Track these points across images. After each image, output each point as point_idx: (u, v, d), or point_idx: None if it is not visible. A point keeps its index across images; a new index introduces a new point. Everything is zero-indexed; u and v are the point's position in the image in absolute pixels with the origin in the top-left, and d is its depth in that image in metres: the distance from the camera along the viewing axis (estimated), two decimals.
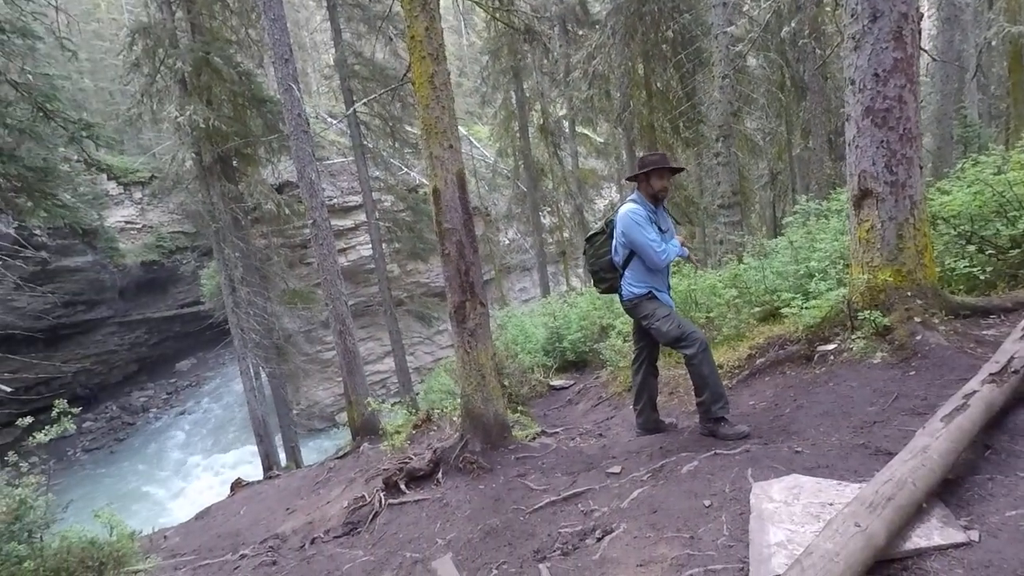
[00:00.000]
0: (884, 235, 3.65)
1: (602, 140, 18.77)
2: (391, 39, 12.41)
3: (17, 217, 14.65)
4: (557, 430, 4.92)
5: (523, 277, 23.43)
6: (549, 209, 19.51)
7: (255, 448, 13.65)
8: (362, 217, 17.55)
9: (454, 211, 3.74)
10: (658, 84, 10.57)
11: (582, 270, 18.46)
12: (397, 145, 13.76)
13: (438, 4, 3.67)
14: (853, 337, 3.67)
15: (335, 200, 17.24)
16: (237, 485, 9.50)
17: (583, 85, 12.13)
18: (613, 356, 7.04)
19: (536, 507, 3.16)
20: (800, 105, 12.49)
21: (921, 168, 3.66)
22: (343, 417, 19.44)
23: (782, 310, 4.81)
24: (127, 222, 18.57)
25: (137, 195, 18.87)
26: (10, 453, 5.80)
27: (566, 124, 17.16)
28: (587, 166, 19.71)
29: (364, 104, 12.17)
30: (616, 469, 3.32)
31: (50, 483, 5.84)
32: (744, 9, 11.03)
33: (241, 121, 11.58)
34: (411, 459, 5.18)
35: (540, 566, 2.35)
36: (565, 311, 9.60)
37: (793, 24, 10.18)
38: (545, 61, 15.43)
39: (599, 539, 2.47)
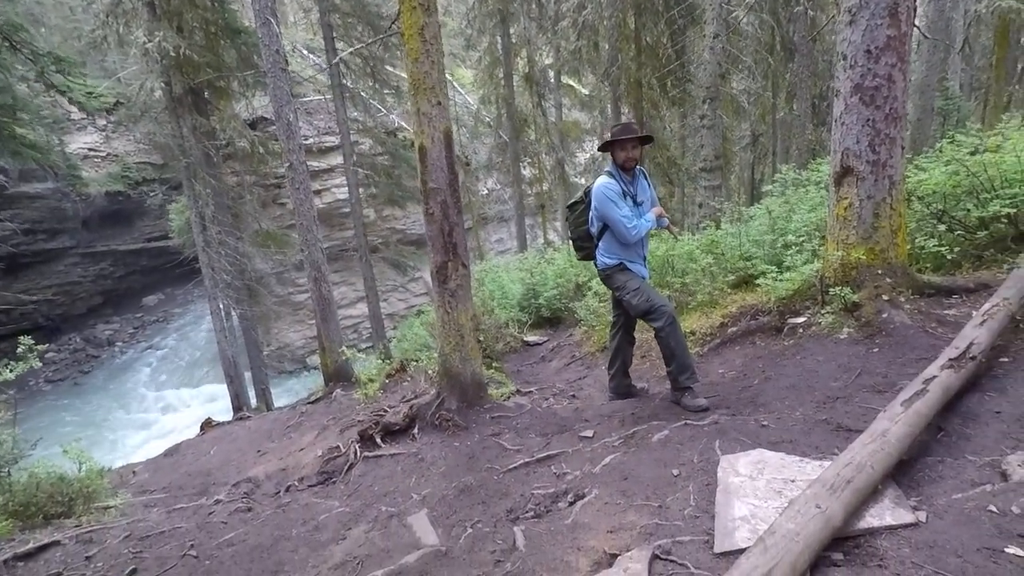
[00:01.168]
0: (861, 214, 3.72)
1: (587, 92, 18.40)
2: None
3: None
4: (531, 389, 5.04)
5: (500, 228, 23.29)
6: (530, 160, 19.26)
7: (224, 387, 13.65)
8: (338, 159, 17.05)
9: (440, 170, 3.67)
10: (648, 39, 10.31)
11: (560, 224, 18.43)
12: (377, 86, 13.27)
13: None
14: (823, 312, 3.79)
15: (311, 140, 16.67)
16: (207, 424, 9.54)
17: (571, 35, 11.78)
18: (588, 315, 7.15)
19: (510, 467, 3.27)
20: (787, 67, 12.40)
21: (903, 149, 3.71)
22: (314, 360, 19.51)
23: (757, 280, 4.92)
24: (90, 149, 17.71)
25: (101, 122, 17.92)
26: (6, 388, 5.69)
27: (551, 74, 16.74)
28: (570, 118, 19.38)
29: (345, 44, 11.63)
30: (589, 433, 3.43)
31: (16, 417, 5.79)
32: None
33: (214, 52, 10.98)
34: (386, 412, 5.26)
35: (514, 528, 2.45)
36: (542, 268, 9.64)
37: None
38: (533, 6, 14.87)
39: (571, 503, 2.58)
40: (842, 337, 3.57)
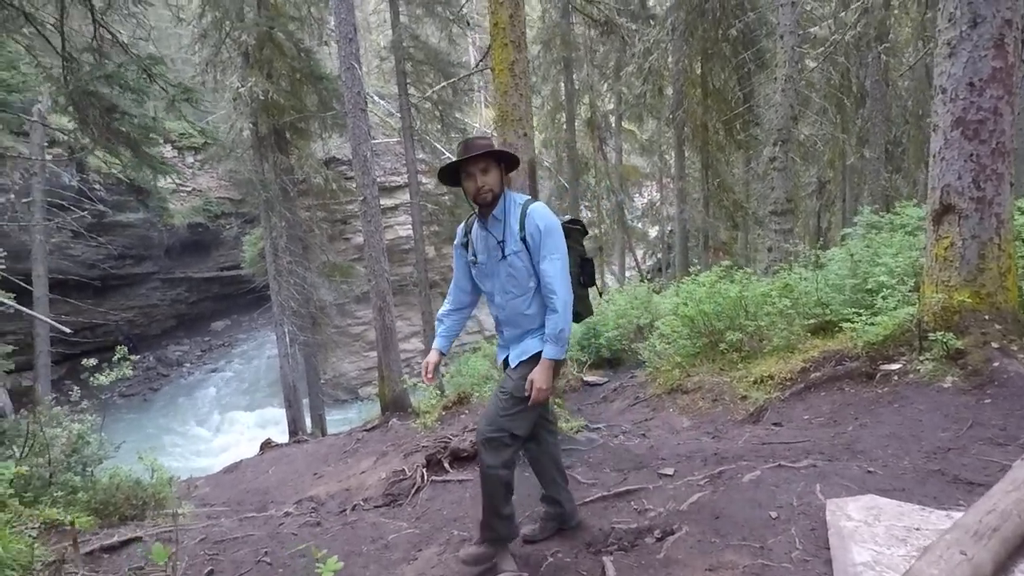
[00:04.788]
0: (964, 254, 3.52)
1: (647, 137, 18.56)
2: (448, 23, 12.41)
3: (80, 171, 15.19)
4: (599, 426, 4.92)
5: None
6: (587, 203, 19.41)
7: (282, 411, 13.98)
8: (403, 197, 17.70)
9: None
10: (715, 83, 10.36)
11: (616, 267, 18.34)
12: (444, 128, 13.80)
13: None
14: (921, 358, 3.57)
15: (379, 179, 17.42)
16: (266, 445, 9.74)
17: (637, 81, 11.97)
18: (651, 357, 6.99)
19: (586, 500, 3.17)
20: (858, 112, 12.14)
21: (1012, 185, 3.52)
22: (366, 391, 19.81)
23: (841, 324, 4.70)
24: (179, 184, 19.10)
25: (190, 159, 19.34)
26: (75, 389, 6.07)
27: (612, 119, 16.99)
28: (630, 162, 19.53)
29: (416, 89, 12.22)
30: (669, 471, 3.30)
31: (104, 422, 6.08)
32: (808, 8, 10.74)
33: (297, 96, 11.76)
34: (450, 439, 5.23)
35: (603, 558, 2.35)
36: (602, 307, 9.56)
37: (859, 27, 9.87)
38: (597, 53, 15.27)
39: (659, 539, 2.46)
40: (946, 386, 3.33)
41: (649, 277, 17.08)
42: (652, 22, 12.22)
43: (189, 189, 19.55)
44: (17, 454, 5.01)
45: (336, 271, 13.95)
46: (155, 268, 19.61)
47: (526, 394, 2.28)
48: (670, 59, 10.66)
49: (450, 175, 2.37)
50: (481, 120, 21.96)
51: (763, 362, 5.33)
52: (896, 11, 11.68)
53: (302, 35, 12.13)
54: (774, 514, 2.39)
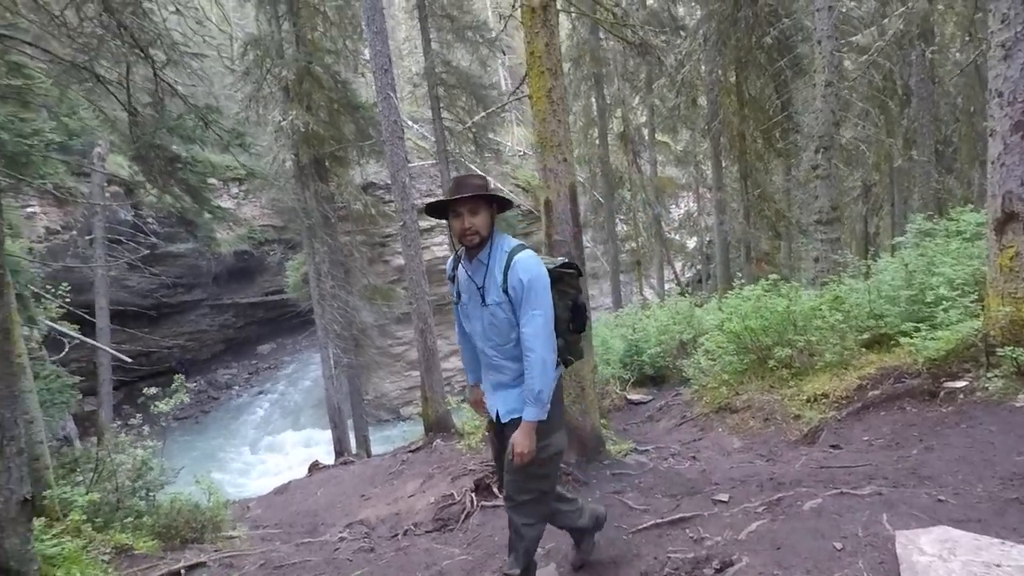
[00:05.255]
0: None
1: (681, 148, 18.39)
2: (478, 47, 12.63)
3: (134, 206, 15.98)
4: (648, 448, 4.85)
5: (591, 285, 23.27)
6: (623, 217, 19.28)
7: (327, 431, 14.22)
8: (439, 219, 17.93)
9: (565, 223, 3.76)
10: (750, 92, 10.21)
11: (655, 281, 18.13)
12: (478, 150, 13.99)
13: (558, 20, 3.70)
14: (989, 375, 3.40)
15: (416, 202, 17.76)
16: (315, 467, 9.93)
17: (669, 93, 11.91)
18: (696, 374, 6.86)
19: (639, 527, 3.12)
20: (904, 113, 11.77)
21: None
22: (408, 411, 20.00)
23: (897, 338, 4.53)
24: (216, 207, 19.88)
25: (234, 190, 20.11)
26: (137, 416, 6.33)
27: (646, 132, 16.91)
28: (665, 174, 19.36)
29: (450, 112, 12.45)
30: (724, 497, 3.22)
31: (164, 448, 6.32)
32: (845, 11, 10.50)
33: (336, 126, 12.12)
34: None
35: None
36: (644, 324, 9.45)
37: (900, 25, 9.60)
38: (628, 67, 15.27)
39: (718, 570, 2.41)
40: (1018, 404, 3.17)
41: (689, 290, 16.82)
42: (683, 33, 12.18)
43: (215, 204, 20.31)
44: (87, 481, 5.26)
45: (377, 294, 14.22)
46: (204, 295, 20.37)
47: (544, 455, 2.26)
48: (703, 69, 10.58)
49: (438, 210, 2.30)
50: (513, 139, 22.18)
51: (815, 379, 5.17)
52: (940, 7, 11.34)
53: (339, 67, 12.52)
54: (839, 545, 2.30)
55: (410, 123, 21.22)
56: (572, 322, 2.38)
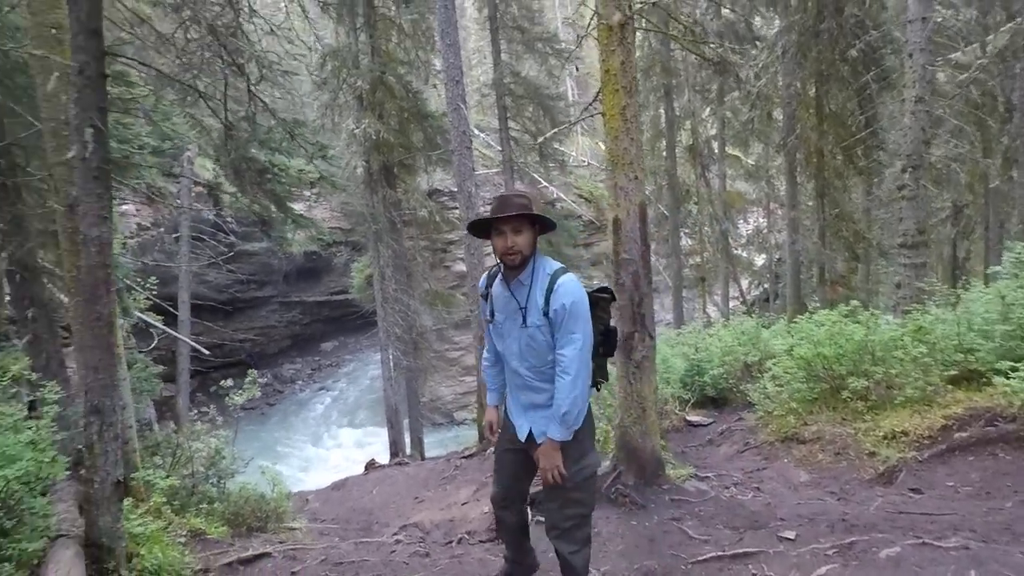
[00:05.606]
0: None
1: (753, 162, 17.81)
2: (547, 58, 12.73)
3: (216, 206, 17.02)
4: (708, 474, 4.71)
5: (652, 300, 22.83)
6: (687, 231, 18.83)
7: (382, 430, 14.58)
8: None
9: (633, 242, 3.72)
10: (831, 106, 9.78)
11: (720, 299, 17.60)
12: (542, 160, 14.07)
13: (634, 38, 3.69)
14: None
15: (480, 210, 18.02)
16: (371, 465, 10.20)
17: (743, 106, 11.58)
18: (762, 400, 6.61)
19: (699, 559, 3.04)
20: (1004, 129, 10.94)
21: None
22: (462, 415, 20.24)
23: (990, 376, 4.21)
24: (299, 215, 20.87)
25: (306, 193, 21.06)
26: (210, 405, 6.70)
27: (716, 145, 16.49)
28: (734, 188, 18.80)
29: (516, 122, 12.60)
30: (790, 534, 3.09)
31: (235, 438, 6.66)
32: (940, 21, 9.91)
33: (405, 134, 12.50)
34: None
35: None
36: (707, 343, 9.18)
37: (1005, 40, 8.97)
38: (699, 79, 14.95)
39: None
40: None
41: (755, 309, 16.20)
42: (759, 44, 11.83)
43: (297, 213, 21.30)
44: (166, 465, 5.61)
45: (437, 299, 14.50)
46: (274, 292, 21.41)
47: (580, 478, 2.29)
48: (780, 82, 10.22)
49: (480, 228, 2.30)
50: (578, 149, 22.14)
51: (894, 414, 4.87)
52: None
53: (410, 77, 12.91)
54: None
55: (476, 132, 21.60)
56: (603, 346, 2.41)
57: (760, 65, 10.39)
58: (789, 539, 3.05)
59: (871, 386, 5.27)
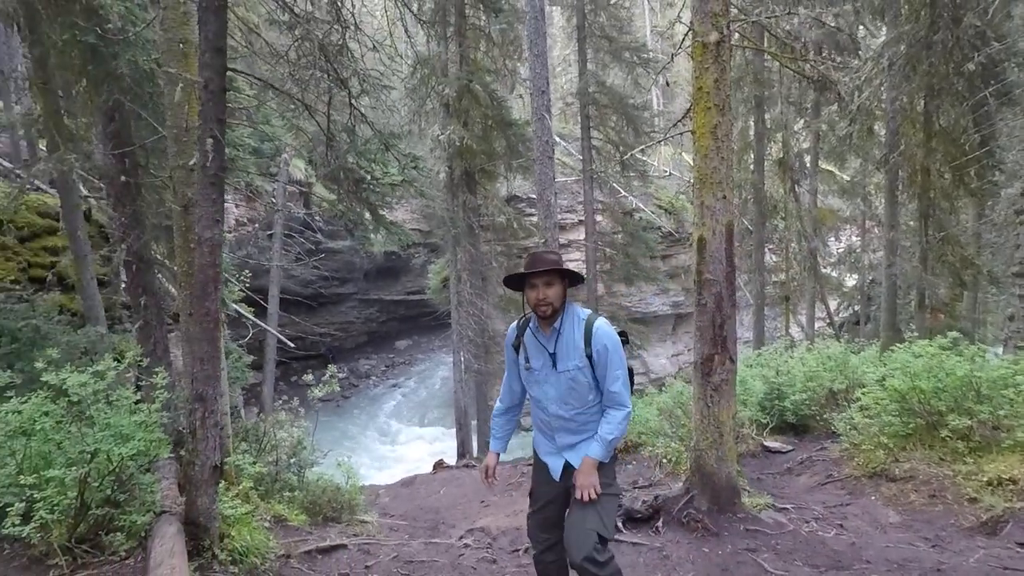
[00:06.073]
0: None
1: (848, 178, 16.81)
2: (634, 68, 12.63)
3: (307, 206, 18.06)
4: (787, 506, 4.51)
5: None
6: (772, 247, 18.02)
7: (450, 431, 14.88)
8: (575, 235, 18.14)
9: (718, 262, 3.64)
10: (941, 123, 9.08)
11: (804, 319, 16.71)
12: (623, 169, 13.94)
13: (730, 56, 3.61)
14: None
15: (559, 219, 18.10)
16: (439, 465, 10.44)
17: (841, 120, 10.98)
18: (848, 431, 6.23)
19: None
20: None
21: None
22: (527, 421, 20.30)
23: None
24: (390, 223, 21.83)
25: (386, 198, 21.99)
26: (292, 396, 7.08)
27: (807, 159, 15.71)
28: (826, 205, 17.82)
29: (599, 132, 12.56)
30: None
31: (315, 430, 7.02)
32: None
33: (488, 141, 12.76)
34: (622, 495, 5.18)
35: None
36: (790, 366, 8.76)
37: None
38: (793, 90, 14.31)
39: None
40: None
41: (843, 333, 15.26)
42: (861, 56, 11.18)
43: (387, 221, 22.16)
44: (252, 451, 5.98)
45: (511, 304, 14.65)
46: (355, 289, 22.41)
47: (611, 492, 2.44)
48: (884, 96, 9.61)
49: (515, 281, 2.50)
50: (660, 159, 21.74)
51: (1001, 459, 4.47)
52: None
53: (496, 86, 13.18)
54: None
55: (558, 140, 21.70)
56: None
57: (863, 78, 9.81)
58: None
59: (974, 426, 4.86)
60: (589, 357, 2.37)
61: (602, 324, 2.40)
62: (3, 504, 3.06)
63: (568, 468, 2.50)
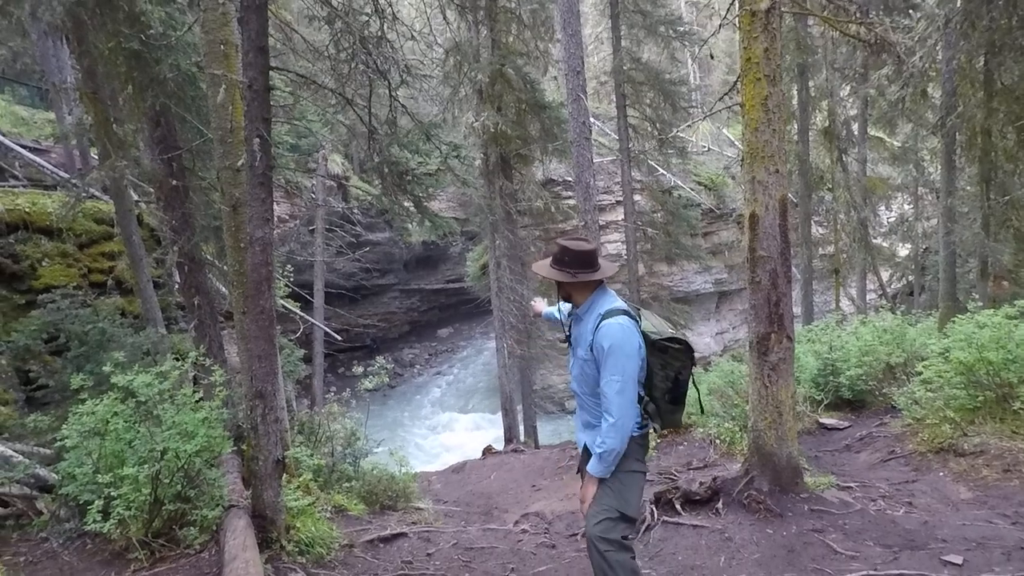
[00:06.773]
0: None
1: (900, 144, 16.04)
2: (670, 42, 12.28)
3: (345, 199, 18.36)
4: (850, 484, 4.39)
5: None
6: (819, 219, 17.41)
7: (495, 416, 15.00)
8: (612, 216, 17.89)
9: (772, 239, 3.53)
10: (1003, 81, 8.53)
11: (855, 291, 16.14)
12: (661, 147, 13.63)
13: (780, 24, 3.47)
14: None
15: (596, 201, 17.90)
16: (488, 451, 10.55)
17: (892, 84, 10.45)
18: (909, 405, 6.01)
19: (846, 574, 2.86)
20: None
21: None
22: (572, 404, 20.30)
23: None
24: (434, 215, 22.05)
25: (431, 188, 22.17)
26: (346, 391, 7.24)
27: (855, 126, 15.05)
28: (875, 173, 17.08)
29: (635, 110, 12.30)
30: (957, 559, 2.82)
31: (367, 421, 7.18)
32: None
33: (522, 125, 12.64)
34: (675, 476, 5.13)
35: None
36: (843, 341, 8.49)
37: None
38: (840, 54, 13.68)
39: None
40: None
41: (898, 304, 14.67)
42: (914, 13, 10.59)
43: (432, 212, 22.38)
44: (308, 444, 6.14)
45: (551, 290, 14.62)
46: (395, 280, 22.72)
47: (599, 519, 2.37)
48: (939, 56, 9.09)
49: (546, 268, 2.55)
50: (698, 135, 21.18)
51: None
52: None
53: (528, 68, 13.01)
54: None
55: (593, 120, 21.38)
56: (670, 393, 2.43)
57: (916, 38, 9.30)
58: (955, 564, 2.78)
59: None
60: (592, 352, 2.36)
61: (610, 324, 2.30)
62: (84, 501, 3.23)
63: (586, 448, 2.54)
